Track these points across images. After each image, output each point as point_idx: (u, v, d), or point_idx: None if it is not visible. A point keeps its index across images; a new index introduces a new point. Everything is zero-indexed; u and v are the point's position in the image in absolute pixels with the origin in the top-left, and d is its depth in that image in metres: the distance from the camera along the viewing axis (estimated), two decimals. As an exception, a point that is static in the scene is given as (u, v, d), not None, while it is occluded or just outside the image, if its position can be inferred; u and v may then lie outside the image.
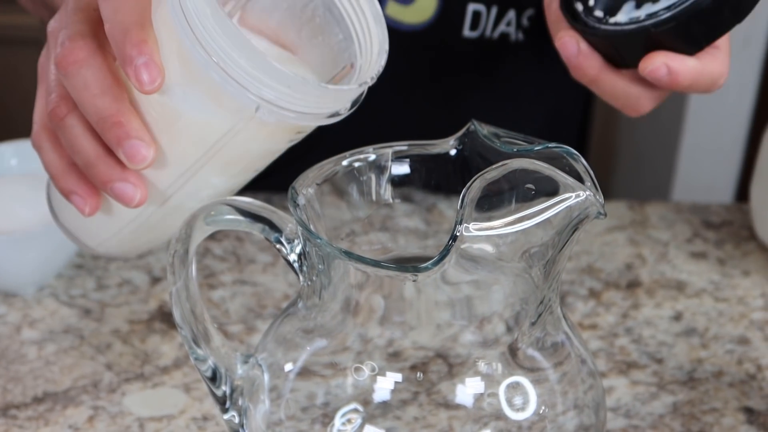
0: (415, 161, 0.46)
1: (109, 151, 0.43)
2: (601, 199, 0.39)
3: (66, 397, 0.57)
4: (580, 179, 0.40)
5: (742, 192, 1.22)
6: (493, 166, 0.38)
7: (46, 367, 0.60)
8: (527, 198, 0.39)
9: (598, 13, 0.54)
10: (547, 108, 0.79)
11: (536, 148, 0.41)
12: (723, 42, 0.54)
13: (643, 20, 0.51)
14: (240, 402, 0.47)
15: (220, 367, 0.47)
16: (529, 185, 0.39)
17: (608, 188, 1.36)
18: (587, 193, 0.38)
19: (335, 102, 0.43)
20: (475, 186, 0.37)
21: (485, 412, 0.43)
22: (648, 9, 0.52)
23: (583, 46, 0.55)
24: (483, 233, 0.37)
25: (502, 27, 0.72)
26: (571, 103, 0.82)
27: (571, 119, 0.66)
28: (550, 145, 0.41)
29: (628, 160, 1.34)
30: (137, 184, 0.43)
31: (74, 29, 0.42)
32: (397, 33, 0.70)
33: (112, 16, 0.41)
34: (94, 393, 0.58)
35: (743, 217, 0.75)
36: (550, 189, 0.39)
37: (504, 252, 0.39)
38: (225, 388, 0.47)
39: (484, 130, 0.43)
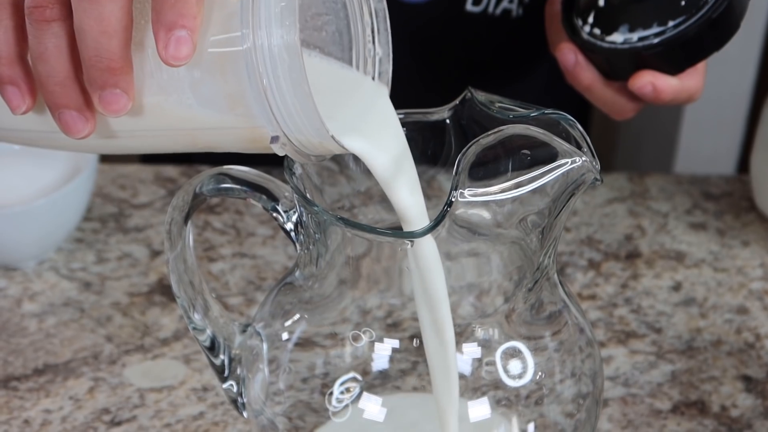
0: (412, 130, 0.46)
1: (78, 75, 0.38)
2: (598, 165, 0.39)
3: (66, 369, 0.58)
4: (577, 145, 0.39)
5: (745, 164, 1.21)
6: (489, 132, 0.38)
7: (46, 340, 0.60)
8: (523, 164, 0.38)
9: (596, 31, 0.60)
10: (548, 83, 0.79)
11: (532, 114, 0.41)
12: (700, 63, 0.61)
13: (636, 42, 0.59)
14: (238, 371, 0.47)
15: (218, 336, 0.47)
16: (525, 151, 0.38)
17: (611, 161, 1.36)
18: (583, 158, 0.38)
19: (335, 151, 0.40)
20: (471, 152, 0.37)
21: (484, 380, 0.43)
22: (640, 33, 0.59)
23: (581, 58, 0.61)
24: (478, 199, 0.37)
25: (504, 3, 0.72)
26: None
27: (573, 95, 0.65)
28: (546, 111, 0.40)
29: (630, 133, 1.34)
30: (90, 119, 0.38)
31: None
32: (399, 6, 0.70)
33: None
34: (94, 365, 0.58)
35: (743, 188, 0.75)
36: (547, 155, 0.38)
37: (500, 219, 0.39)
38: (223, 357, 0.47)
39: (480, 97, 0.43)
